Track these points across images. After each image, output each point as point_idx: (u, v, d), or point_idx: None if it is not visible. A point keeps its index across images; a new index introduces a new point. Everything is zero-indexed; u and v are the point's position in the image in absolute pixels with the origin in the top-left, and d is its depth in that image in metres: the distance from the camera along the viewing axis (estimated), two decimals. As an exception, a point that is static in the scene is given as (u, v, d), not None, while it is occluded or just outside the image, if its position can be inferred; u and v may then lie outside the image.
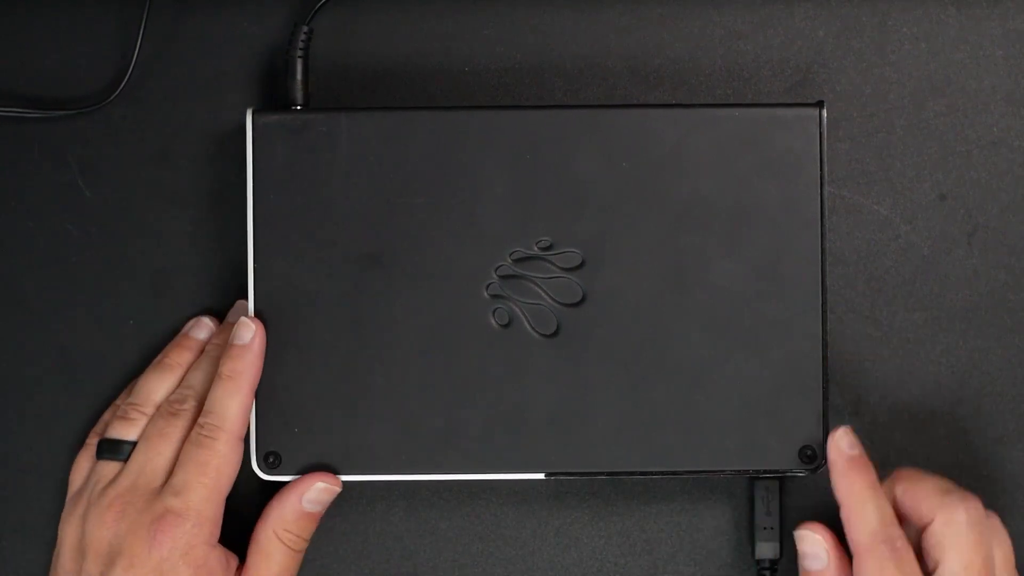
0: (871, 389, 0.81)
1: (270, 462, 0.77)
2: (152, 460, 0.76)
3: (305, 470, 0.77)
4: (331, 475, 0.77)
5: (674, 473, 0.77)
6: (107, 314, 0.81)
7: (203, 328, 0.80)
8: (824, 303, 0.77)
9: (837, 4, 0.81)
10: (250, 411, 0.76)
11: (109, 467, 0.77)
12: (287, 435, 0.77)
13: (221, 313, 0.81)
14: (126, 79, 0.80)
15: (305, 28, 0.79)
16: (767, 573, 0.80)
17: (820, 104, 0.77)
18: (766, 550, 0.80)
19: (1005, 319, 0.81)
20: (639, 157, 0.77)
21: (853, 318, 0.81)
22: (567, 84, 0.81)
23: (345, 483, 0.80)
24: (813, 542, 0.76)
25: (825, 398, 0.77)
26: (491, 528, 0.81)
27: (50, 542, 0.80)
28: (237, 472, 0.76)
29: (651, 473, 0.77)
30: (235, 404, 0.76)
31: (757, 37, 0.81)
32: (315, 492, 0.77)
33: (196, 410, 0.77)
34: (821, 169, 0.77)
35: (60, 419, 0.81)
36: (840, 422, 0.80)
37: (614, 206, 0.77)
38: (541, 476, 0.77)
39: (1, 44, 0.81)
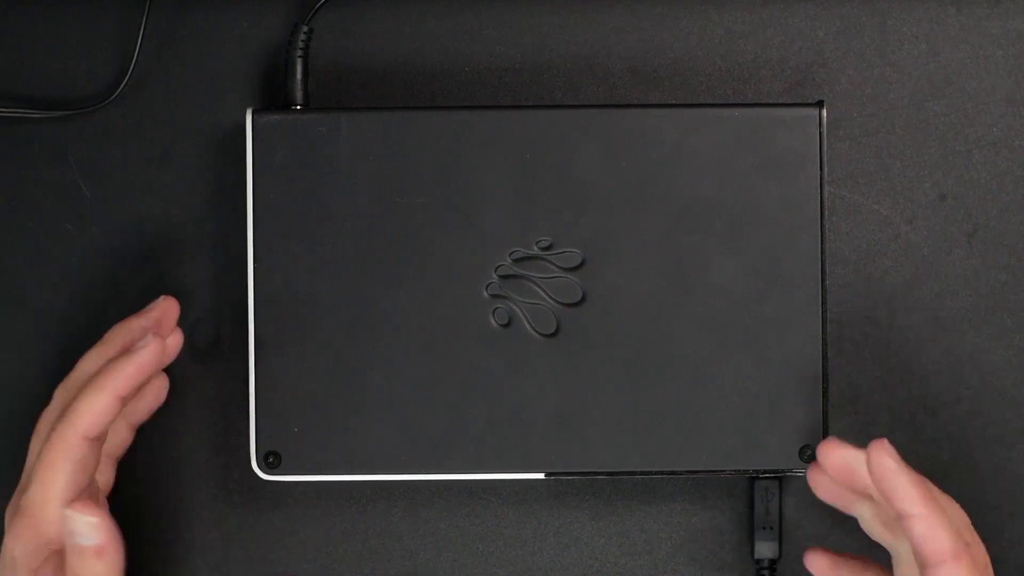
0: (871, 389, 0.81)
1: (270, 462, 0.77)
2: (29, 454, 0.75)
3: (305, 470, 0.77)
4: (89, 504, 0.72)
5: (674, 473, 0.77)
6: (107, 314, 0.81)
7: (149, 316, 0.77)
8: (824, 303, 0.77)
9: (837, 4, 0.81)
10: (112, 413, 0.73)
11: None
12: (287, 435, 0.77)
13: (221, 314, 0.81)
14: (126, 79, 0.80)
15: (305, 28, 0.79)
16: (766, 573, 0.80)
17: (820, 104, 0.77)
18: (766, 550, 0.80)
19: (1005, 319, 0.81)
20: (639, 157, 0.77)
21: (853, 318, 0.81)
22: (567, 84, 0.81)
23: (345, 483, 0.80)
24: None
25: (825, 398, 0.77)
26: (491, 528, 0.81)
27: (50, 542, 0.80)
28: (85, 470, 0.73)
29: (651, 473, 0.77)
30: (90, 402, 0.73)
31: (757, 37, 0.81)
32: (72, 522, 0.72)
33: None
34: (821, 169, 0.77)
35: (60, 419, 0.81)
36: (840, 422, 0.80)
37: (614, 206, 0.77)
38: (541, 476, 0.77)
39: (1, 44, 0.81)
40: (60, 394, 0.76)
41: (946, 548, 0.70)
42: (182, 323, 0.81)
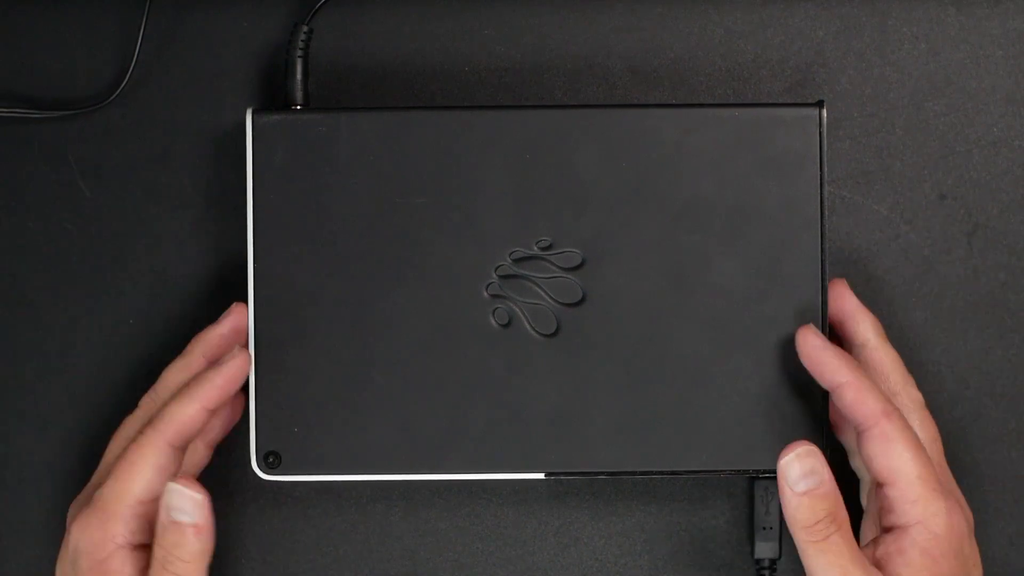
0: (871, 389, 0.81)
1: (270, 462, 0.77)
2: (106, 455, 0.76)
3: (305, 470, 0.77)
4: (190, 479, 0.72)
5: (674, 473, 0.77)
6: (107, 314, 0.81)
7: (226, 324, 0.78)
8: (824, 303, 0.77)
9: (837, 4, 0.81)
10: (198, 423, 0.74)
11: None
12: (287, 435, 0.77)
13: (221, 314, 0.81)
14: (126, 79, 0.80)
15: (305, 28, 0.79)
16: (766, 573, 0.80)
17: (820, 104, 0.77)
18: (765, 550, 0.80)
19: (1005, 319, 0.81)
20: (639, 157, 0.77)
21: (853, 318, 0.81)
22: (567, 84, 0.81)
23: (345, 483, 0.80)
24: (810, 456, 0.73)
25: (825, 398, 0.77)
26: (491, 528, 0.81)
27: (49, 542, 0.80)
28: (163, 476, 0.74)
29: (651, 473, 0.77)
30: (178, 410, 0.74)
31: (757, 37, 0.81)
32: (175, 496, 0.72)
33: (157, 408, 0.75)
34: (821, 169, 0.77)
35: (60, 419, 0.81)
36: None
37: (614, 206, 0.77)
38: (541, 476, 0.77)
39: (1, 44, 0.81)
40: (145, 403, 0.77)
41: (877, 409, 0.73)
42: (181, 323, 0.81)
